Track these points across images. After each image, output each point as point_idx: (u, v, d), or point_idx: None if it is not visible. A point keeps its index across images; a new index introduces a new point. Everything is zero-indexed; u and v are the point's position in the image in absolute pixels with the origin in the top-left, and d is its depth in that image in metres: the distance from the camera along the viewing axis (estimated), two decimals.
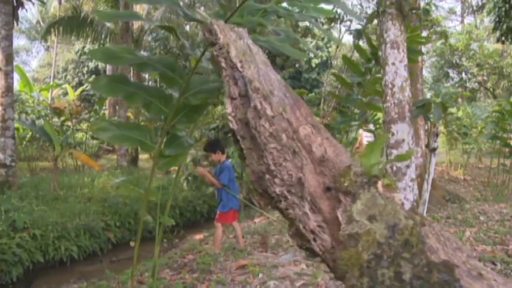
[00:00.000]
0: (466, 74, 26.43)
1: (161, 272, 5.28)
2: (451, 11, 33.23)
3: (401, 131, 5.53)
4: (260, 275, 4.60)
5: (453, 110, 14.35)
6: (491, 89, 26.04)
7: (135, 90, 3.13)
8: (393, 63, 5.53)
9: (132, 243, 3.87)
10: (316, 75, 33.40)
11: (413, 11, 5.49)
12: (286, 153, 1.26)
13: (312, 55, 33.47)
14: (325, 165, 1.24)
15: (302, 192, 1.23)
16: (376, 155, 1.24)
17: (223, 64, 1.41)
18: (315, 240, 1.25)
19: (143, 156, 19.12)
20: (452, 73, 27.36)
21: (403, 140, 5.55)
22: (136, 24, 16.74)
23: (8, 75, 9.78)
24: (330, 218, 1.23)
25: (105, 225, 9.09)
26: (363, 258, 1.17)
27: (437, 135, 5.15)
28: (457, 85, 26.27)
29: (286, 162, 1.26)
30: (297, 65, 29.56)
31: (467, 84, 26.46)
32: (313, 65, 33.45)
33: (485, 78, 25.43)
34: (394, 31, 5.51)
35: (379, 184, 1.20)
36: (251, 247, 6.03)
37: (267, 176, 1.28)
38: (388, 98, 5.59)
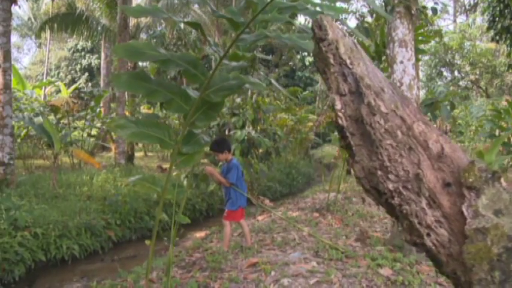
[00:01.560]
0: (459, 72, 26.61)
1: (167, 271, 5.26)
2: (444, 10, 33.40)
3: None
4: (272, 273, 4.60)
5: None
6: (484, 88, 26.23)
7: (156, 87, 3.11)
8: (401, 62, 5.55)
9: (147, 242, 3.84)
10: (309, 74, 33.48)
11: (422, 10, 5.53)
12: (401, 150, 1.26)
13: (305, 53, 33.56)
14: (443, 161, 1.24)
15: (419, 188, 1.23)
16: (496, 152, 1.25)
17: (331, 60, 1.40)
18: (428, 235, 1.25)
19: (137, 154, 19.07)
20: (445, 72, 27.53)
21: None
22: (132, 22, 16.65)
23: (6, 72, 9.67)
24: (450, 213, 1.24)
25: (106, 223, 9.04)
26: (493, 252, 1.17)
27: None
28: (450, 84, 26.42)
29: (402, 158, 1.26)
30: (290, 63, 29.58)
31: (461, 83, 26.65)
32: (307, 63, 33.53)
33: (477, 77, 25.61)
34: (402, 30, 5.53)
35: (502, 179, 1.20)
36: (258, 245, 6.02)
37: (380, 173, 1.28)
38: None
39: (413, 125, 1.28)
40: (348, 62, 1.38)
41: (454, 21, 34.83)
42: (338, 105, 1.36)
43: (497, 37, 15.64)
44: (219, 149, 5.82)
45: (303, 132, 18.41)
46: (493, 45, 22.66)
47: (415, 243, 1.31)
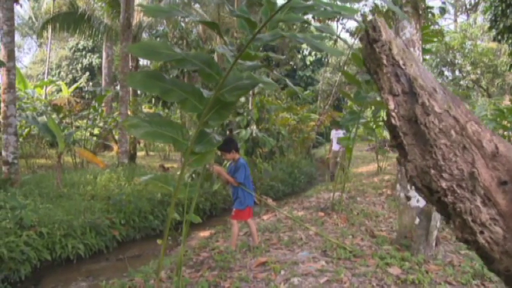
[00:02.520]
0: (460, 72, 26.61)
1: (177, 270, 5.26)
2: (445, 10, 33.37)
3: None
4: (282, 272, 4.61)
5: None
6: (485, 88, 26.23)
7: (171, 87, 3.11)
8: None
9: (159, 241, 3.84)
10: (310, 73, 33.47)
11: (429, 10, 5.52)
12: (456, 149, 1.27)
13: (306, 53, 33.57)
14: (498, 160, 1.25)
15: (474, 186, 1.25)
16: None
17: (384, 61, 1.41)
18: (482, 232, 1.26)
19: (139, 154, 19.08)
20: (446, 71, 27.54)
21: None
22: (134, 21, 16.64)
23: (10, 72, 9.68)
24: (506, 211, 1.25)
25: (110, 222, 9.04)
26: None
27: None
28: (451, 83, 26.43)
29: (456, 157, 1.27)
30: (291, 63, 29.58)
31: (462, 83, 26.65)
32: (308, 63, 33.54)
33: (478, 76, 25.62)
34: (410, 29, 5.53)
35: None
36: (265, 244, 6.03)
37: (433, 171, 1.29)
38: None
39: (467, 124, 1.30)
40: (401, 62, 1.39)
41: (455, 20, 34.87)
42: (391, 105, 1.37)
43: (499, 36, 15.62)
44: (227, 149, 5.82)
45: (305, 132, 18.42)
46: (494, 44, 22.66)
47: (466, 241, 1.32)
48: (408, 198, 5.65)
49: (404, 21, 5.54)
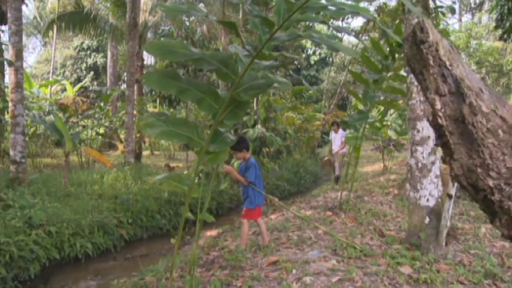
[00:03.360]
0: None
1: (188, 269, 5.27)
2: (455, 9, 33.33)
3: (427, 128, 5.55)
4: (294, 271, 4.62)
5: None
6: (490, 87, 26.14)
7: (187, 86, 3.12)
8: None
9: (173, 240, 3.86)
10: (314, 72, 33.48)
11: (439, 9, 5.52)
12: (503, 148, 1.29)
13: (310, 52, 33.59)
14: None
15: None
16: None
17: (431, 62, 1.43)
18: None
19: (144, 153, 19.11)
20: None
21: (429, 137, 5.58)
22: (139, 20, 16.66)
23: (18, 71, 9.71)
24: None
25: (118, 222, 9.07)
26: None
27: None
28: None
29: (504, 156, 1.28)
30: (296, 62, 29.58)
31: None
32: (312, 62, 33.54)
33: (484, 75, 25.57)
34: None
35: None
36: (274, 243, 6.04)
37: (480, 170, 1.30)
38: (413, 95, 5.61)
39: None
40: (448, 63, 1.40)
41: (460, 20, 34.78)
42: (438, 105, 1.38)
43: (505, 36, 15.57)
44: (238, 148, 5.83)
45: (310, 131, 18.42)
46: (500, 43, 22.61)
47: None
48: (418, 197, 5.65)
49: (415, 21, 5.53)
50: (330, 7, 2.88)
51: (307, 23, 23.44)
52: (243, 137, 6.47)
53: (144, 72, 17.15)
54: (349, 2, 3.64)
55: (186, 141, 3.35)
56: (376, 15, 15.46)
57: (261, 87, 3.22)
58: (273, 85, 3.30)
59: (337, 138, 13.03)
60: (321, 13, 3.60)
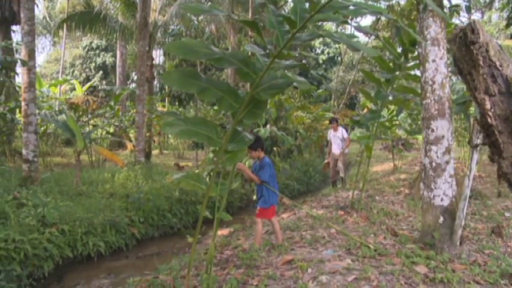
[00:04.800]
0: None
1: (202, 268, 5.30)
2: (459, 8, 33.12)
3: (441, 127, 5.54)
4: (309, 270, 4.62)
5: None
6: None
7: (207, 85, 3.14)
8: (433, 60, 5.53)
9: (190, 239, 3.88)
10: (323, 72, 33.43)
11: (454, 8, 5.51)
12: None
13: (318, 51, 33.57)
14: None
15: None
16: None
17: (481, 62, 1.44)
18: None
19: (153, 152, 19.17)
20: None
21: (443, 136, 5.56)
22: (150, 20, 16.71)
23: (31, 71, 9.76)
24: None
25: (129, 220, 9.12)
26: None
27: (480, 131, 5.14)
28: None
29: None
30: (304, 61, 29.57)
31: None
32: (321, 61, 33.49)
33: None
34: (434, 28, 5.51)
35: None
36: (288, 242, 6.05)
37: None
38: (428, 94, 5.59)
39: None
40: (498, 64, 1.41)
41: (469, 18, 34.57)
42: (488, 105, 1.39)
43: None
44: (253, 146, 5.85)
45: (319, 130, 18.41)
46: (510, 42, 22.45)
47: None
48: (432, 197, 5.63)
49: (430, 20, 5.52)
50: (351, 7, 2.89)
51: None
52: (258, 136, 6.48)
53: (154, 71, 17.21)
54: (369, 2, 3.65)
55: (206, 140, 3.37)
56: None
57: (281, 86, 3.23)
58: (292, 84, 3.31)
59: (337, 137, 12.12)
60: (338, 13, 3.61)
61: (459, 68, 1.49)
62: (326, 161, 12.92)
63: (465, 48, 1.41)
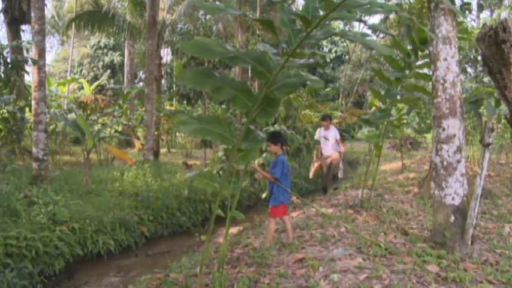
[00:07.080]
0: (483, 69, 26.22)
1: (213, 266, 5.31)
2: (471, 6, 32.88)
3: (453, 126, 5.51)
4: (320, 269, 4.63)
5: None
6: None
7: (222, 84, 3.15)
8: (445, 59, 5.51)
9: (203, 237, 3.90)
10: (330, 70, 33.37)
11: (466, 6, 5.48)
12: None
13: (326, 50, 33.53)
14: None
15: None
16: None
17: None
18: None
19: (161, 151, 19.21)
20: (468, 68, 27.15)
21: (454, 135, 5.53)
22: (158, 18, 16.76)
23: (41, 70, 9.83)
24: None
25: (139, 219, 9.17)
26: None
27: (492, 130, 5.12)
28: (474, 80, 26.08)
29: None
30: (311, 60, 29.45)
31: (485, 80, 26.27)
32: (328, 60, 33.44)
33: None
34: (446, 26, 5.48)
35: None
36: (298, 241, 6.05)
37: None
38: (439, 93, 5.57)
39: None
40: None
41: (478, 16, 34.34)
42: None
43: None
44: (275, 141, 5.89)
45: None
46: None
47: None
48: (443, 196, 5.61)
49: (441, 18, 5.50)
50: (366, 6, 2.89)
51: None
52: (280, 132, 6.51)
53: (162, 70, 17.26)
54: (382, 1, 3.65)
55: (219, 139, 3.38)
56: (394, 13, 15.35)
57: (294, 85, 3.24)
58: (306, 83, 3.32)
59: (329, 137, 10.83)
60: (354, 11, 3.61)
61: (488, 66, 1.48)
62: (316, 164, 11.56)
63: (495, 47, 1.41)
